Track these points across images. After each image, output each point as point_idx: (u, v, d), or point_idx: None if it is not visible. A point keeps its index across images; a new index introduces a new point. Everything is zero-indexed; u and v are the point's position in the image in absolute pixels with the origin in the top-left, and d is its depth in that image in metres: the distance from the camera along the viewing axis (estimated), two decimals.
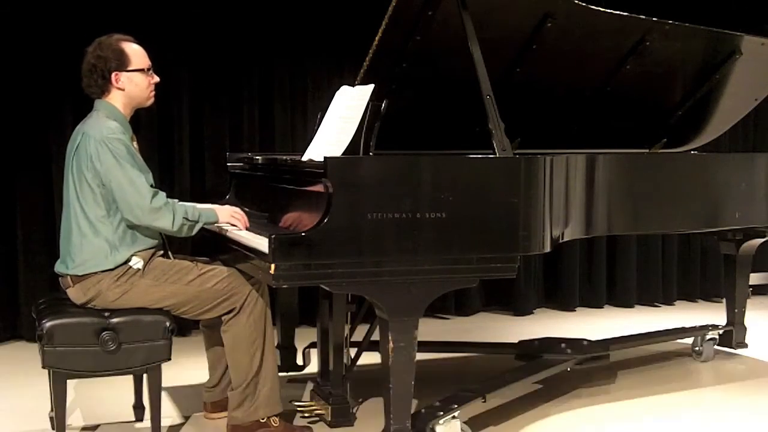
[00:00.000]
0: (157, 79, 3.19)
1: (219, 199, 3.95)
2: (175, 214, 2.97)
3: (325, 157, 2.75)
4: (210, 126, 5.11)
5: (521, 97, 3.65)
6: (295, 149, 4.95)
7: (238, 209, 3.23)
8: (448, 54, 3.32)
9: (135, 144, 3.14)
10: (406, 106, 3.27)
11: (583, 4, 3.44)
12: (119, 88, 3.10)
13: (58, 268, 3.11)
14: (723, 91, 4.25)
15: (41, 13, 4.75)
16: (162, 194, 3.00)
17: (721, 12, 5.77)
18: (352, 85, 3.23)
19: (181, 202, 3.07)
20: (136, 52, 3.12)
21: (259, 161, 3.65)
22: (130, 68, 3.10)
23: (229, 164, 3.90)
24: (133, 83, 3.11)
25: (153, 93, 3.20)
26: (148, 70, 3.15)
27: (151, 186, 3.00)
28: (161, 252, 3.16)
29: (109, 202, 2.99)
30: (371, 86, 3.00)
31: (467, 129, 3.51)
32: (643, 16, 3.70)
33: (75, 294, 3.07)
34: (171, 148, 5.00)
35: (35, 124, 4.83)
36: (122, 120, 3.11)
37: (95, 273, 3.01)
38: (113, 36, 3.12)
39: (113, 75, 3.07)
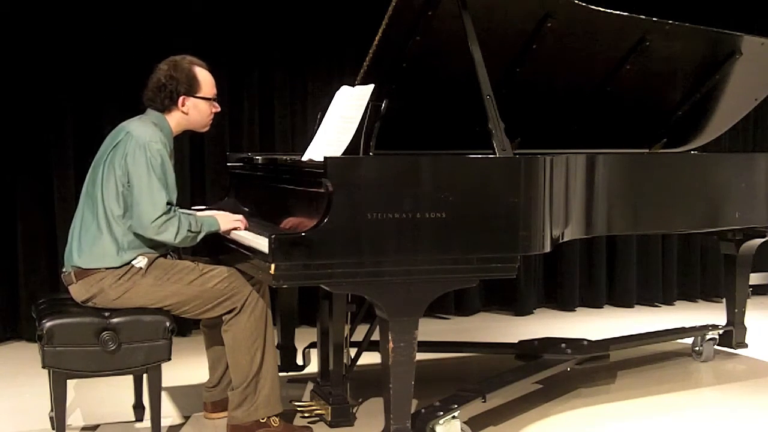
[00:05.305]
0: (218, 108, 3.25)
1: (219, 199, 3.95)
2: (179, 229, 2.97)
3: (325, 157, 2.75)
4: (210, 126, 5.10)
5: (521, 97, 3.65)
6: (295, 149, 4.96)
7: (234, 214, 3.24)
8: (448, 54, 3.32)
9: (172, 160, 3.15)
10: (406, 106, 3.27)
11: (583, 4, 3.45)
12: (183, 112, 3.15)
13: (66, 257, 3.12)
14: (723, 91, 4.25)
15: (42, 20, 4.75)
16: (173, 213, 2.99)
17: (721, 12, 5.77)
18: (353, 85, 3.23)
19: (185, 213, 3.07)
20: (206, 80, 3.18)
21: (259, 161, 3.65)
22: (198, 95, 3.15)
23: (229, 164, 3.91)
24: (197, 109, 3.17)
25: (211, 121, 3.26)
26: (213, 99, 3.19)
27: (168, 203, 2.99)
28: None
29: (127, 204, 3.01)
30: (371, 86, 3.00)
31: (467, 129, 3.51)
32: (643, 16, 3.70)
33: (77, 290, 3.07)
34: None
35: (36, 125, 4.82)
36: (168, 134, 3.15)
37: (99, 269, 3.02)
38: (187, 58, 3.18)
39: (181, 98, 3.12)
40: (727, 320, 4.56)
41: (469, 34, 3.07)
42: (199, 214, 3.35)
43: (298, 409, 3.53)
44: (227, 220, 3.17)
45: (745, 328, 4.55)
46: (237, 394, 3.16)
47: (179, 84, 3.12)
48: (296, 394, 3.80)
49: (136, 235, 3.02)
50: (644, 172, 3.66)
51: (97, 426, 3.48)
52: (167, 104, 3.14)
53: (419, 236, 2.78)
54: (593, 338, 4.15)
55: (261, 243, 2.80)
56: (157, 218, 2.95)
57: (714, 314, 5.29)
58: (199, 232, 3.05)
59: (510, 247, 2.91)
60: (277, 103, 5.27)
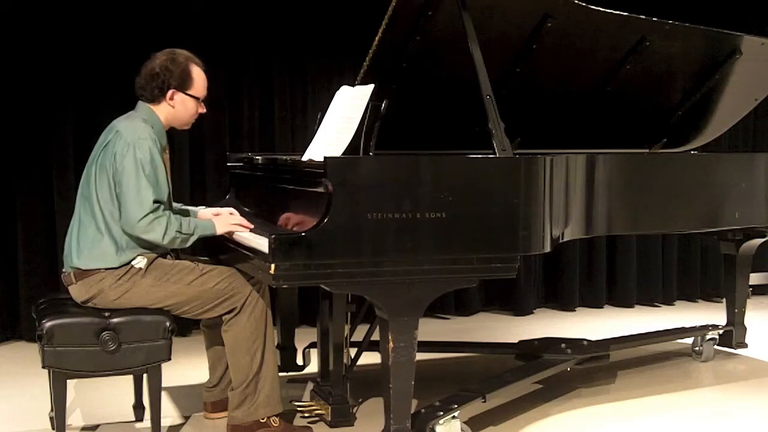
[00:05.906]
0: (204, 110, 3.24)
1: (219, 199, 3.95)
2: (167, 229, 2.96)
3: (324, 157, 2.75)
4: (210, 126, 5.11)
5: (521, 97, 3.65)
6: (295, 149, 4.96)
7: (236, 215, 3.23)
8: (448, 54, 3.33)
9: (166, 155, 3.14)
10: (406, 106, 3.27)
11: (583, 4, 3.44)
12: (170, 105, 3.14)
13: (65, 258, 3.12)
14: (723, 91, 4.25)
15: (42, 19, 4.74)
16: (160, 212, 2.97)
17: (721, 12, 5.77)
18: (352, 85, 3.23)
19: (183, 209, 3.06)
20: (199, 79, 3.18)
21: (259, 161, 3.65)
22: (188, 92, 3.15)
23: (229, 164, 3.91)
24: (184, 106, 3.17)
25: (193, 121, 3.25)
26: (202, 99, 3.20)
27: (156, 201, 2.98)
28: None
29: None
30: (371, 86, 3.00)
31: (467, 129, 3.51)
32: (643, 16, 3.70)
33: (76, 291, 3.07)
34: (171, 147, 4.98)
35: (36, 124, 4.82)
36: (159, 129, 3.14)
37: (98, 270, 3.01)
38: (184, 53, 3.17)
39: (171, 91, 3.12)
40: (727, 320, 4.56)
41: (469, 34, 3.07)
42: (200, 213, 3.35)
43: (298, 409, 3.53)
44: (225, 224, 3.14)
45: (745, 328, 4.55)
46: (237, 394, 3.16)
47: (172, 77, 3.11)
48: (296, 394, 3.80)
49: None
50: (644, 172, 3.66)
51: (97, 426, 3.48)
52: (156, 95, 3.12)
53: (419, 236, 2.78)
54: (593, 338, 4.15)
55: (261, 243, 2.79)
56: (144, 217, 2.94)
57: (714, 314, 5.29)
58: (191, 235, 3.03)
59: (510, 247, 2.91)
60: (277, 103, 5.27)
